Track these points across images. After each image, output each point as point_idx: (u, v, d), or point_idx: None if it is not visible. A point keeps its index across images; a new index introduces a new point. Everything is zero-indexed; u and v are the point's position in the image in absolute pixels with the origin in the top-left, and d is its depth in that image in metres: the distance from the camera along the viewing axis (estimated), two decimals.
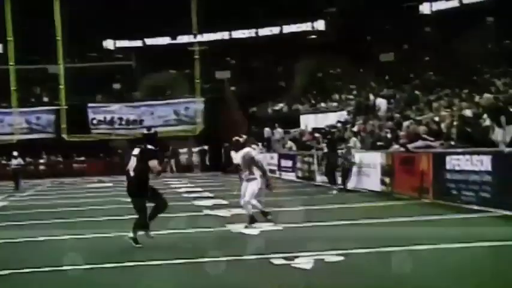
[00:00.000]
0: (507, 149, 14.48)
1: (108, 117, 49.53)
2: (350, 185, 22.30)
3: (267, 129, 39.17)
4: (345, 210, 16.20)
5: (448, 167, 16.21)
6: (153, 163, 11.37)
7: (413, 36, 44.13)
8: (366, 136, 23.98)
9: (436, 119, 20.51)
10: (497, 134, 16.16)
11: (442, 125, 19.31)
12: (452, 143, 17.69)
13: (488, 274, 8.02)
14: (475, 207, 14.72)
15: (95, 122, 49.49)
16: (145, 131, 12.58)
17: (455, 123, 18.61)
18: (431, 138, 18.85)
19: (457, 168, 15.78)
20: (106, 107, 49.83)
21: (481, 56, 32.26)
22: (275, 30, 51.47)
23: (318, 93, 44.67)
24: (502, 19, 35.94)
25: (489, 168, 14.60)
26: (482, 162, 14.80)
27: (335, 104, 40.77)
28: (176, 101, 49.92)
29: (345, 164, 21.67)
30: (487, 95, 18.57)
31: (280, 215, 14.36)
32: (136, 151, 11.58)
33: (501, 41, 34.15)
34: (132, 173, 11.49)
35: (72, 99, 48.65)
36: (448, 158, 16.28)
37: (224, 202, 18.35)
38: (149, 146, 11.48)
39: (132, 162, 11.56)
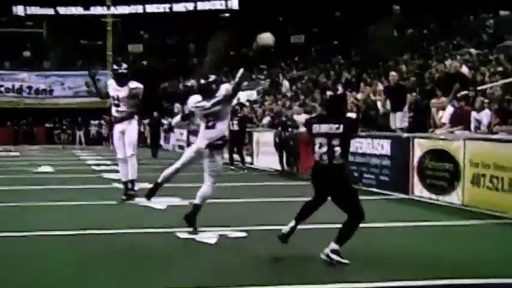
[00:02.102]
0: (405, 134, 15.19)
1: (17, 85, 48.58)
2: (256, 163, 22.76)
3: (177, 105, 39.33)
4: (251, 188, 16.63)
5: (351, 149, 16.79)
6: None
7: (324, 20, 44.87)
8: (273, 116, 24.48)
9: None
10: (396, 120, 16.91)
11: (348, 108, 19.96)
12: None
13: (383, 253, 8.55)
14: (375, 190, 15.38)
15: (2, 89, 48.49)
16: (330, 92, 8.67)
17: (359, 107, 19.28)
18: None
19: (359, 151, 16.42)
20: (15, 75, 48.87)
21: (387, 43, 33.21)
22: (189, 6, 51.43)
23: (229, 72, 45.05)
24: (407, 8, 37.01)
25: (388, 152, 15.30)
26: (383, 146, 15.48)
27: (245, 83, 41.27)
28: (87, 72, 49.37)
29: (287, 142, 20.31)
30: (393, 73, 19.27)
31: (187, 191, 14.69)
32: (334, 127, 7.89)
33: (405, 29, 35.14)
34: (329, 162, 7.96)
35: None
36: (351, 141, 16.83)
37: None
38: (350, 114, 8.43)
39: (322, 142, 7.96)
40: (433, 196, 13.63)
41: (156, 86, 45.83)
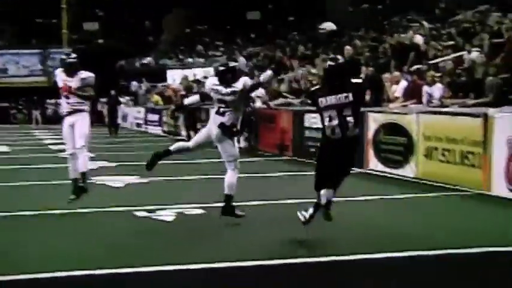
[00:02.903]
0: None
1: None
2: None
3: (134, 83, 39.15)
4: (208, 165, 16.69)
5: (306, 124, 17.01)
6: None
7: None
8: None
9: (297, 77, 21.29)
10: None
11: (302, 83, 20.10)
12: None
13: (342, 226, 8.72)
14: None
15: None
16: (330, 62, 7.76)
17: (315, 82, 19.42)
18: (292, 97, 19.63)
19: (314, 126, 16.57)
20: None
21: (342, 18, 33.37)
22: None
23: (186, 49, 44.88)
24: None
25: None
26: None
27: (202, 59, 41.18)
28: (42, 50, 48.83)
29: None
30: (347, 47, 19.41)
31: (144, 169, 14.72)
32: (343, 97, 7.41)
33: (360, 4, 35.30)
34: (342, 135, 7.44)
35: None
36: (306, 116, 17.04)
37: (91, 155, 18.27)
38: (355, 80, 7.81)
39: (332, 114, 7.43)
40: (388, 169, 13.86)
41: (113, 64, 45.51)
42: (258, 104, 19.38)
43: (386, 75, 16.49)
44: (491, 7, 21.80)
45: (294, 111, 18.12)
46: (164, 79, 39.76)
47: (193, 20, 47.93)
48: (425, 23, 22.52)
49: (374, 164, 14.36)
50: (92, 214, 9.80)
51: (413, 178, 13.02)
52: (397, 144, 13.62)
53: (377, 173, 14.10)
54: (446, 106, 13.82)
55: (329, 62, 7.73)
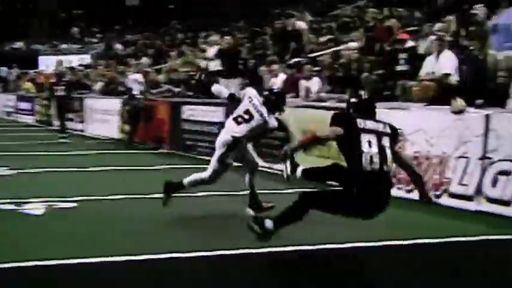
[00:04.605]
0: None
1: None
2: (90, 131, 22.27)
3: (4, 69, 37.91)
4: (81, 157, 16.27)
5: (184, 117, 16.78)
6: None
7: None
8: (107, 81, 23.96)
9: (176, 67, 21.02)
10: (230, 86, 16.96)
11: (181, 74, 19.89)
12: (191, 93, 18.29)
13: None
14: (208, 158, 15.34)
15: None
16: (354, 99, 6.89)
17: (192, 72, 19.24)
18: (170, 87, 19.37)
19: (192, 118, 16.38)
20: None
21: (219, 9, 33.44)
22: None
23: (60, 34, 43.80)
24: None
25: (221, 120, 15.33)
26: (216, 114, 15.50)
27: (77, 46, 40.32)
28: None
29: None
30: (226, 37, 19.26)
31: (12, 160, 14.22)
32: (381, 126, 6.54)
33: None
34: (380, 167, 6.33)
35: None
36: (184, 108, 16.80)
37: None
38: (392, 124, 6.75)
39: (372, 140, 6.41)
40: (267, 164, 13.75)
41: None
42: (135, 92, 18.62)
43: (263, 68, 16.43)
44: (368, 2, 22.17)
45: (171, 102, 17.80)
46: (36, 65, 38.58)
47: (69, 4, 46.78)
48: (307, 14, 22.63)
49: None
50: None
51: None
52: (274, 138, 13.52)
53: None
54: (324, 101, 13.88)
55: (352, 100, 6.86)
